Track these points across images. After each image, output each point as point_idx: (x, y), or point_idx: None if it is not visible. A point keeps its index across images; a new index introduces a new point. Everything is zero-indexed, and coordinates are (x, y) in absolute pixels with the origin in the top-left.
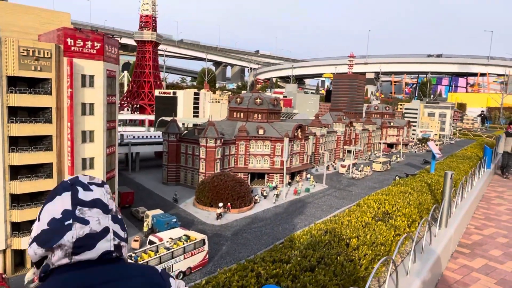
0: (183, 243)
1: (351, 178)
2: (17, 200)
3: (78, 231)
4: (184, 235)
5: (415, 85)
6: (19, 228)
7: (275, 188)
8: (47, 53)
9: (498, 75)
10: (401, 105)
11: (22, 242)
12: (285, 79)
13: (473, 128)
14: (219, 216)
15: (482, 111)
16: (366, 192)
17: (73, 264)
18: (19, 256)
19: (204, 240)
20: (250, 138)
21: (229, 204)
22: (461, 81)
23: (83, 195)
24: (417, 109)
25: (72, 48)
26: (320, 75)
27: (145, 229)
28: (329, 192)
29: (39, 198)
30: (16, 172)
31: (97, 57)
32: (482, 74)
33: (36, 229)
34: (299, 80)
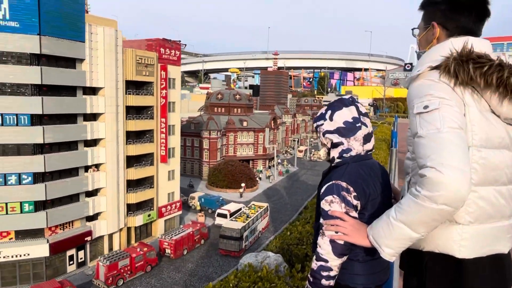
0: (256, 211)
1: (310, 160)
2: (128, 185)
3: (363, 131)
4: (252, 204)
5: (311, 79)
6: (130, 209)
7: (261, 172)
8: (151, 60)
9: (378, 70)
10: (317, 98)
11: (137, 221)
12: (195, 74)
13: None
14: (241, 194)
15: (374, 101)
16: None
17: (357, 157)
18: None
19: (267, 207)
20: (237, 130)
21: (243, 184)
22: (349, 76)
23: (361, 108)
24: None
25: (163, 56)
26: (226, 70)
27: (198, 208)
28: (303, 172)
29: (142, 183)
30: (127, 161)
31: (177, 63)
32: (366, 69)
33: (331, 125)
34: (205, 75)
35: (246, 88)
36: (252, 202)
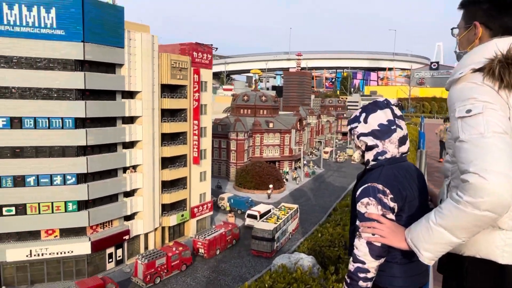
0: (286, 212)
1: (335, 162)
2: (163, 186)
3: (398, 133)
4: (282, 205)
5: (334, 79)
6: (164, 209)
7: (287, 173)
8: (185, 64)
9: (402, 69)
10: (341, 98)
11: (171, 220)
12: (217, 75)
13: None
14: (269, 195)
15: (399, 101)
16: (355, 171)
17: (392, 160)
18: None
19: (297, 209)
20: (264, 131)
21: (271, 186)
22: (373, 75)
23: (396, 111)
24: (357, 102)
25: (196, 59)
26: (248, 71)
27: (228, 208)
28: (330, 173)
29: (176, 184)
30: (162, 163)
31: (208, 66)
32: (390, 69)
33: (365, 128)
34: (227, 76)
35: (268, 89)
36: (282, 204)
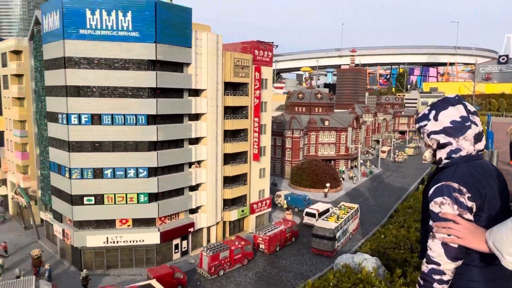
0: (347, 212)
1: (393, 162)
2: (224, 182)
3: (474, 130)
4: (342, 204)
5: (388, 76)
6: (225, 204)
7: (343, 172)
8: (247, 62)
9: (466, 64)
10: (398, 95)
11: (232, 215)
12: None
13: None
14: (326, 194)
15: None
16: (415, 171)
17: (468, 157)
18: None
19: (357, 208)
20: (319, 129)
21: (328, 184)
22: (432, 71)
23: (469, 107)
24: (416, 99)
25: (257, 57)
26: (298, 69)
27: (285, 206)
28: (388, 173)
29: (237, 180)
30: (224, 159)
31: (269, 63)
32: (451, 64)
33: (436, 126)
34: (277, 74)
35: (318, 87)
36: (341, 203)
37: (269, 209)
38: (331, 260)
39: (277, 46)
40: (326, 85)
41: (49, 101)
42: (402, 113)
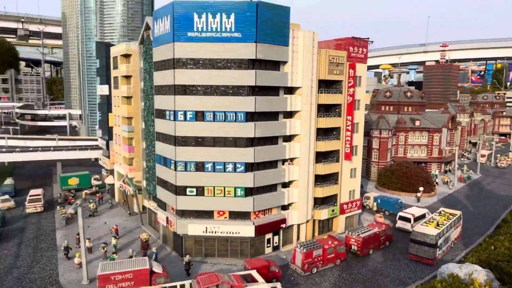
0: (448, 218)
1: (495, 167)
2: (315, 180)
3: None
4: (442, 210)
5: (483, 72)
6: (316, 202)
7: (436, 176)
8: (342, 59)
9: None
10: (498, 94)
11: (322, 214)
12: None
13: None
14: (418, 199)
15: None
16: None
17: None
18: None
19: (460, 216)
20: (409, 129)
21: (422, 188)
22: None
23: None
24: None
25: (352, 54)
26: (377, 67)
27: (374, 208)
28: (490, 180)
29: (327, 179)
30: (315, 157)
31: (363, 60)
32: None
33: None
34: None
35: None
36: (441, 208)
37: (359, 211)
38: (432, 268)
39: (372, 42)
40: (410, 83)
41: (157, 99)
42: (504, 113)
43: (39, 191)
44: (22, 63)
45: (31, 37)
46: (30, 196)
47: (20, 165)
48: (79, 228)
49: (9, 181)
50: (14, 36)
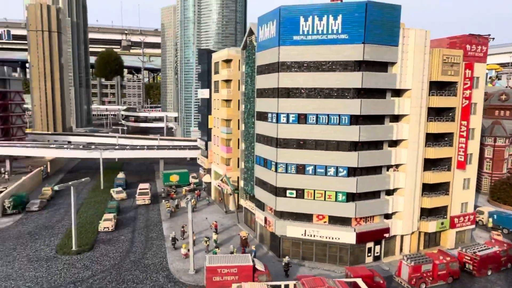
0: None
1: None
2: (422, 189)
3: None
4: None
5: None
6: (422, 213)
7: None
8: (457, 59)
9: None
10: None
11: (429, 226)
12: None
13: None
14: None
15: None
16: None
17: None
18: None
19: None
20: None
21: None
22: None
23: None
24: None
25: (469, 53)
26: None
27: (489, 225)
28: None
29: (436, 188)
30: (424, 164)
31: (482, 59)
32: None
33: None
34: None
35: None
36: None
37: (472, 226)
38: None
39: (493, 38)
40: None
41: (259, 102)
42: None
43: (146, 185)
44: (125, 71)
45: (132, 47)
46: (140, 189)
47: (127, 161)
48: (188, 222)
49: (121, 175)
50: (119, 47)
